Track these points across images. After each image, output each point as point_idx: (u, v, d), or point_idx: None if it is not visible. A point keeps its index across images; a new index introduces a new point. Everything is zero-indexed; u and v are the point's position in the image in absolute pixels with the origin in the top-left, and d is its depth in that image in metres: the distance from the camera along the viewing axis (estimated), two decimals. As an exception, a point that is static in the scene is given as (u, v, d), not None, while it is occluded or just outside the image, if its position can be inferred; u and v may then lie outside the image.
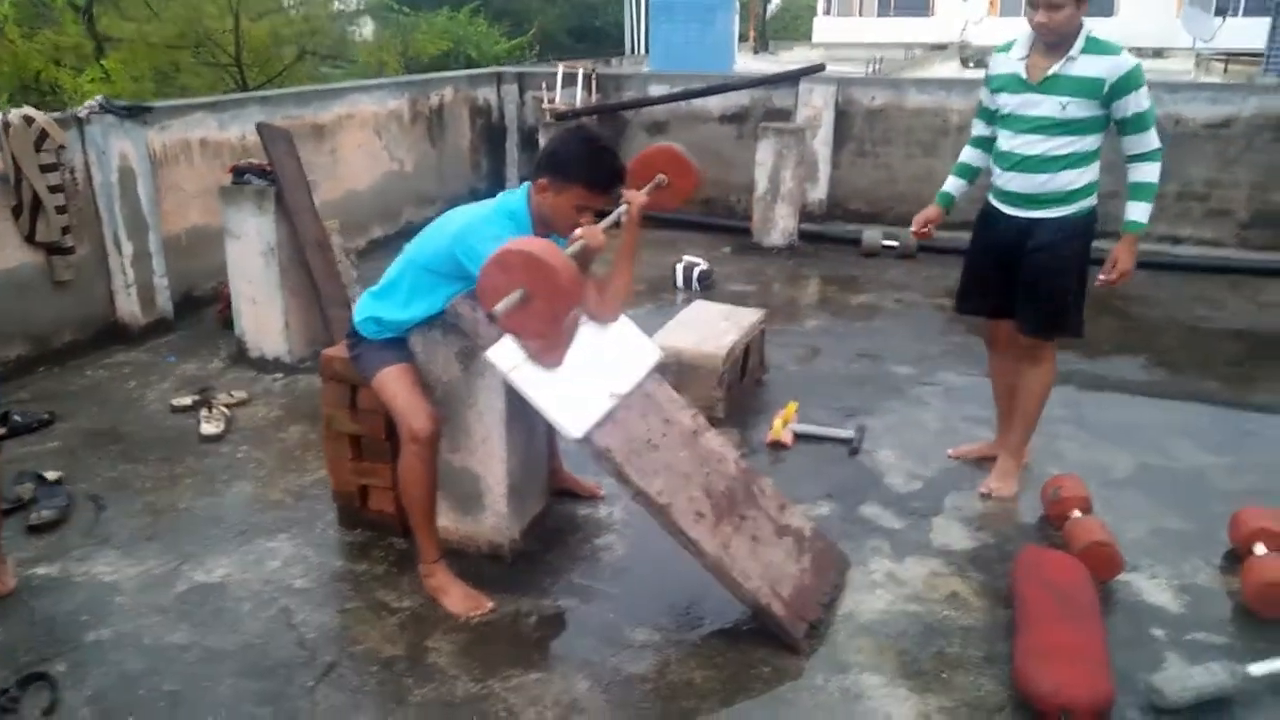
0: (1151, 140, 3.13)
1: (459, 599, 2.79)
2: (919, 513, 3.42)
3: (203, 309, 5.42)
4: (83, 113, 4.66)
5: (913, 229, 3.63)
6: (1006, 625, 2.75)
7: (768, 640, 2.66)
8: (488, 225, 2.66)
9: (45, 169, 4.47)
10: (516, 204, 2.73)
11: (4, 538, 3.00)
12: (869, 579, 3.00)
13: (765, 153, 7.03)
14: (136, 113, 4.82)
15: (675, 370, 4.05)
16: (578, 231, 2.61)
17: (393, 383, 2.74)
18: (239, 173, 4.49)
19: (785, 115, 7.83)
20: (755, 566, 2.71)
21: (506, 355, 2.63)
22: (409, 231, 7.37)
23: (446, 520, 3.03)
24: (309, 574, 2.97)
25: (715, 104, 8.13)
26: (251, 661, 2.56)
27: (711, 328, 4.29)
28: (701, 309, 4.62)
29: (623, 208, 2.89)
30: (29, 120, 4.39)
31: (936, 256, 7.01)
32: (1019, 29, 3.29)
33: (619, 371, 2.90)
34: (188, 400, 4.19)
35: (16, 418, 3.96)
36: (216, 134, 5.53)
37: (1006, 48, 3.32)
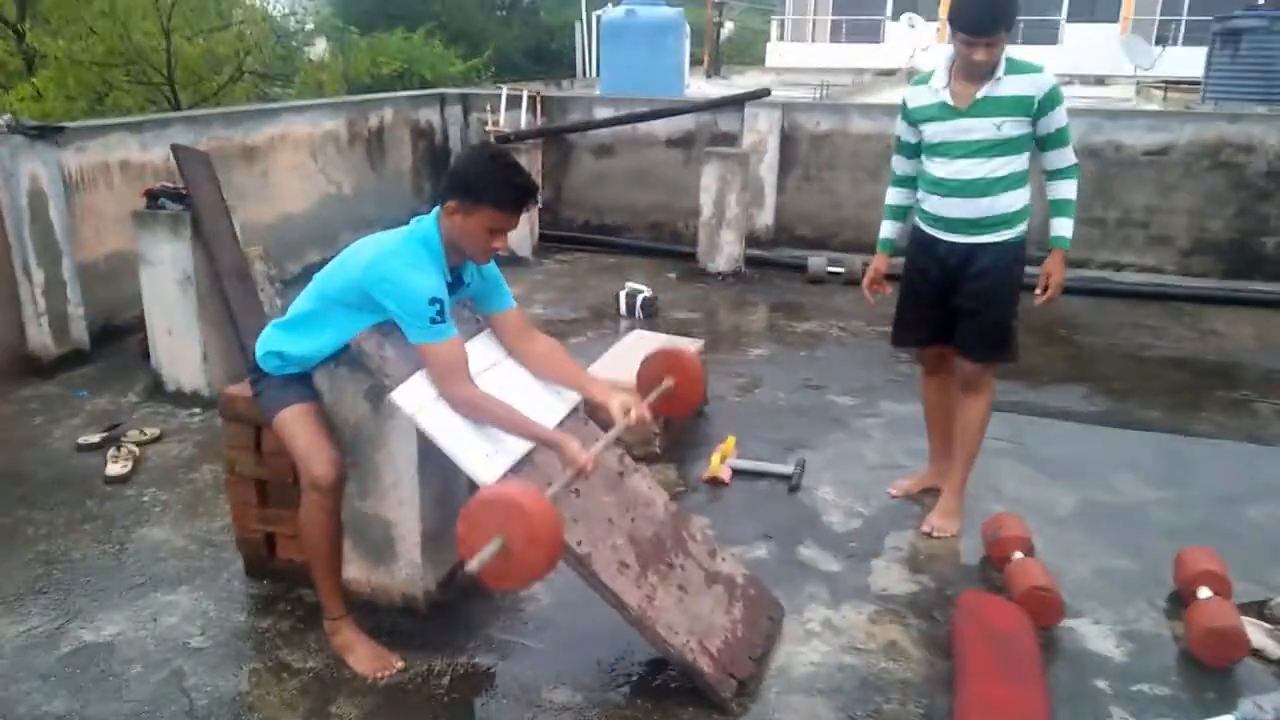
0: (1070, 156, 3.20)
1: (365, 658, 2.61)
2: (858, 554, 3.30)
3: (124, 339, 5.17)
4: (-11, 134, 4.42)
5: (865, 286, 3.62)
6: (946, 678, 2.63)
7: (696, 699, 2.52)
8: (398, 255, 2.50)
9: (-55, 193, 4.22)
10: (427, 230, 2.57)
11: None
12: (804, 628, 2.87)
13: (710, 178, 6.95)
14: (48, 133, 4.60)
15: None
16: (573, 456, 2.45)
17: (293, 423, 2.56)
18: (153, 196, 4.28)
19: (731, 140, 7.77)
20: (682, 619, 2.57)
21: (412, 396, 2.47)
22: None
23: (357, 571, 2.85)
24: (208, 631, 2.77)
25: (661, 128, 8.04)
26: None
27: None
28: (638, 339, 4.49)
29: (623, 423, 2.71)
30: (-72, 141, 4.15)
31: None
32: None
33: (538, 411, 2.75)
34: (95, 438, 3.96)
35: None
36: (139, 155, 5.31)
37: (925, 79, 3.29)
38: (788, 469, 3.87)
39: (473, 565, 2.06)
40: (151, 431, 4.06)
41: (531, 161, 7.57)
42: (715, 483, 3.78)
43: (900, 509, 3.62)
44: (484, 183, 2.47)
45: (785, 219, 7.86)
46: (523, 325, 2.85)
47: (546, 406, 2.78)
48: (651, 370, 3.20)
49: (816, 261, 7.19)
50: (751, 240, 7.59)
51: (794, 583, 3.10)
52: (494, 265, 2.78)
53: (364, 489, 2.76)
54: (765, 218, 7.82)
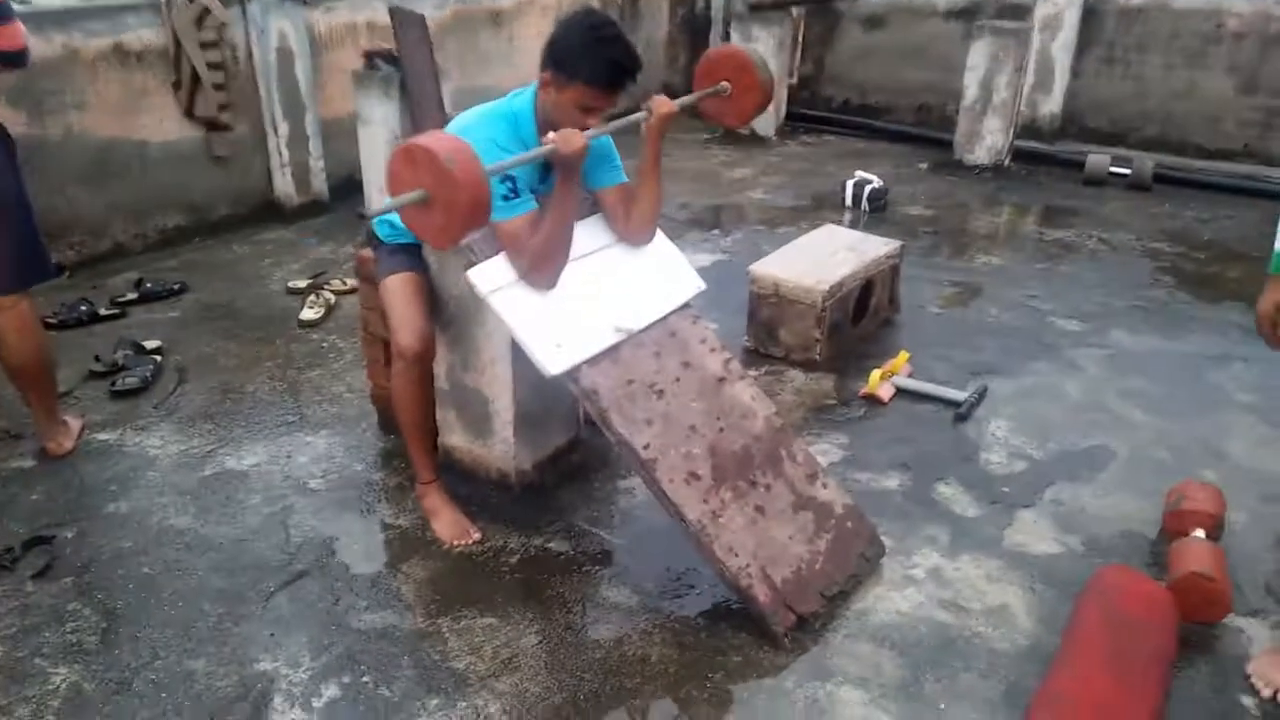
0: None
1: (447, 525, 2.68)
2: (1005, 501, 2.92)
3: (359, 192, 5.53)
4: (244, -9, 4.77)
5: (1262, 322, 2.24)
6: (1047, 657, 2.27)
7: (751, 625, 2.36)
8: (481, 127, 2.43)
9: (205, 46, 4.64)
10: (521, 104, 2.46)
11: (87, 400, 3.21)
12: (906, 573, 2.59)
13: (978, 55, 6.20)
14: (296, -7, 4.88)
15: (773, 304, 3.68)
16: (550, 135, 2.29)
17: (392, 291, 2.60)
18: (370, 57, 4.46)
19: (1023, 13, 6.83)
20: (748, 542, 2.39)
21: (489, 276, 2.41)
22: (592, 125, 7.25)
23: (459, 439, 2.91)
24: (328, 475, 2.96)
25: (942, -4, 7.23)
26: (230, 557, 2.58)
27: (827, 257, 3.83)
28: (826, 235, 4.15)
29: (640, 114, 2.52)
30: (190, -3, 4.54)
31: (1175, 190, 6.00)
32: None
33: (638, 303, 2.61)
34: (302, 283, 4.30)
35: (149, 285, 4.22)
36: (385, 17, 5.52)
37: None
38: (960, 395, 3.46)
39: (374, 208, 1.98)
40: (351, 282, 4.33)
41: (787, 34, 7.11)
42: (872, 400, 3.47)
43: (1085, 457, 3.14)
44: (578, 55, 2.30)
45: (1076, 107, 6.88)
46: (630, 201, 2.67)
47: (648, 303, 2.63)
48: (709, 69, 2.91)
49: (1097, 159, 6.27)
50: (1030, 131, 6.76)
51: (914, 521, 2.80)
52: (606, 138, 2.61)
53: (466, 362, 2.78)
54: (1051, 104, 6.89)
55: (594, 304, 2.52)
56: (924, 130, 7.15)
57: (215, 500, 2.82)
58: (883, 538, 2.70)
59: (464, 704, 2.13)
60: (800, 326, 3.66)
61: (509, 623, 2.37)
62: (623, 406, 2.42)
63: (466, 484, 2.89)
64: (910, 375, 3.63)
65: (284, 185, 5.16)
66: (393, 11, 4.52)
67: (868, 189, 5.60)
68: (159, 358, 3.61)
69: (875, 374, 3.49)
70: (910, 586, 2.54)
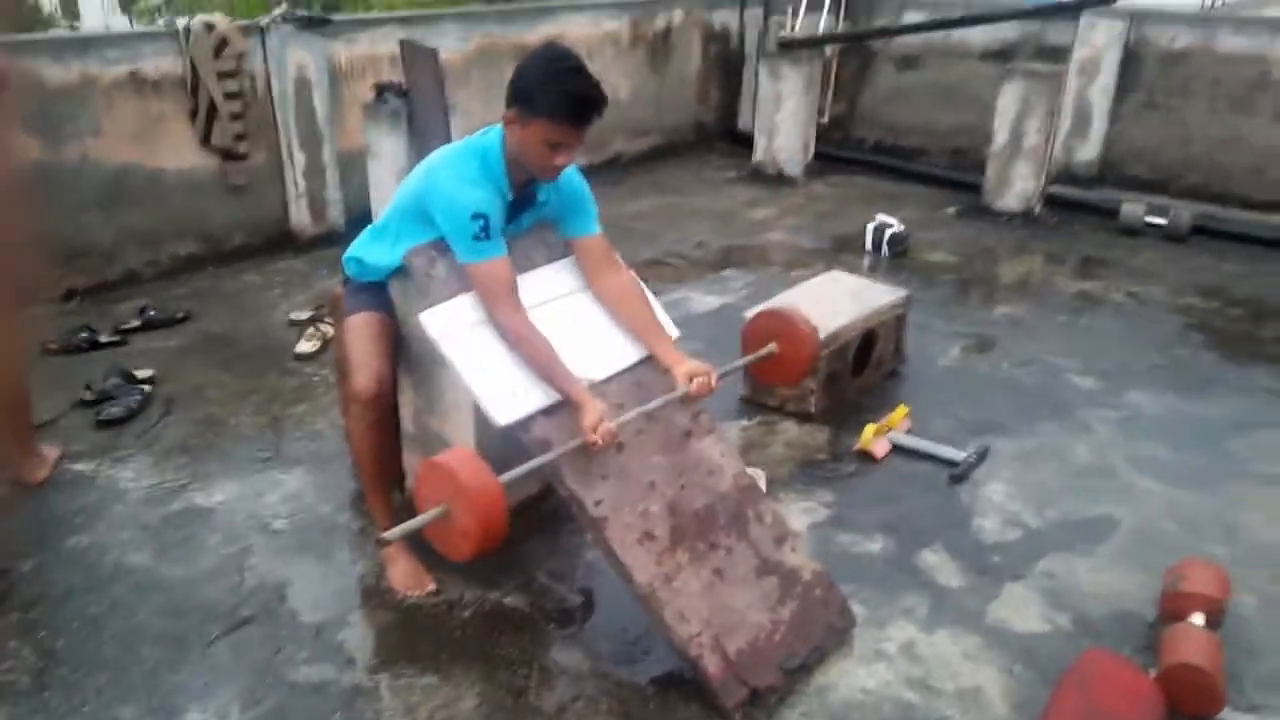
0: None
1: (402, 574, 2.60)
2: (993, 572, 2.77)
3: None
4: (264, 22, 4.82)
5: None
6: (1016, 750, 2.12)
7: (704, 699, 2.24)
8: (450, 165, 2.38)
9: (223, 75, 4.69)
10: (490, 141, 2.40)
11: (71, 428, 3.21)
12: (876, 647, 2.45)
13: (1009, 98, 6.06)
14: (316, 23, 4.92)
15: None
16: (585, 426, 2.24)
17: (354, 331, 2.55)
18: (380, 90, 4.46)
19: (1061, 55, 6.68)
20: (702, 609, 2.28)
21: (442, 319, 2.35)
22: (618, 163, 7.22)
23: (425, 485, 2.83)
24: (294, 516, 2.91)
25: (978, 37, 7.11)
26: (179, 599, 2.53)
27: (827, 305, 3.72)
28: (832, 280, 4.04)
29: (678, 391, 2.46)
30: (210, 27, 4.61)
31: (1215, 242, 5.79)
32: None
33: (603, 352, 2.52)
34: (304, 315, 4.29)
35: (152, 313, 4.24)
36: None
37: None
38: (958, 455, 3.31)
39: (393, 532, 1.97)
40: (352, 315, 4.31)
41: (817, 72, 7.03)
42: (865, 456, 3.33)
43: (1083, 528, 2.98)
44: (538, 89, 2.24)
45: (1115, 154, 6.70)
46: (603, 255, 2.61)
47: (612, 352, 2.55)
48: (757, 330, 2.85)
49: (1131, 208, 6.08)
50: (1066, 177, 6.60)
51: (892, 590, 2.66)
52: (580, 183, 2.55)
53: (430, 405, 2.71)
54: (1089, 150, 6.72)
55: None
56: (955, 174, 7.00)
57: (176, 538, 2.78)
58: (857, 606, 2.57)
59: (388, 770, 2.04)
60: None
61: (450, 683, 2.28)
62: (577, 461, 2.32)
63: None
64: (909, 431, 3.49)
65: (299, 216, 5.18)
66: (403, 44, 4.53)
67: (888, 233, 5.47)
68: (148, 387, 3.61)
69: (869, 429, 3.36)
70: (879, 662, 2.40)
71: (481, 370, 2.32)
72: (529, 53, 2.38)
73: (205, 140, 4.78)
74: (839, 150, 7.62)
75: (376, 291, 2.63)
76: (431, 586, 2.59)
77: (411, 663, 2.34)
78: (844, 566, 2.75)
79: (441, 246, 2.42)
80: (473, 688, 2.27)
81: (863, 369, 3.79)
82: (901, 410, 3.53)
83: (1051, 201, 6.39)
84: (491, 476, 1.99)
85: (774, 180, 7.04)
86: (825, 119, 7.71)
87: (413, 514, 2.76)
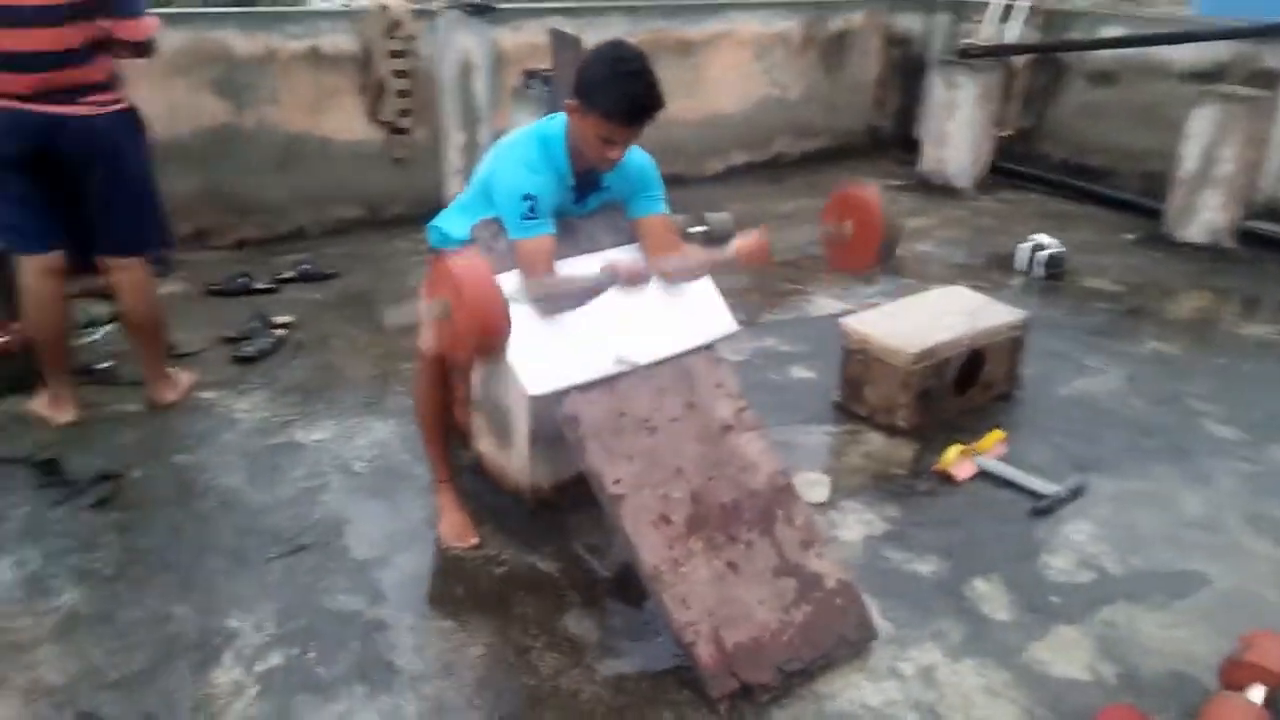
0: None
1: (449, 525, 2.75)
2: (1048, 611, 2.61)
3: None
4: (435, 6, 5.13)
5: None
6: (1008, 793, 2.02)
7: (699, 686, 2.25)
8: (514, 148, 2.49)
9: (393, 55, 5.05)
10: (556, 128, 2.49)
11: (210, 361, 3.59)
12: (892, 665, 2.38)
13: (1201, 122, 5.59)
14: (482, 10, 5.19)
15: (861, 361, 3.50)
16: (612, 263, 2.34)
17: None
18: (529, 76, 4.66)
19: (1274, 80, 6.09)
20: (707, 598, 2.29)
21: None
22: (779, 163, 7.18)
23: (487, 446, 2.99)
24: (373, 461, 3.13)
25: (1182, 56, 6.57)
26: (253, 521, 2.79)
27: (934, 319, 3.60)
28: (948, 295, 3.89)
29: (730, 248, 2.51)
30: (384, 9, 4.96)
31: None
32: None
33: (651, 336, 2.57)
34: (436, 281, 4.55)
35: (306, 267, 4.63)
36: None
37: None
38: (1049, 488, 3.13)
39: (393, 319, 2.09)
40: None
41: (995, 83, 6.73)
42: (945, 478, 3.21)
43: (1165, 581, 2.76)
44: (599, 87, 2.31)
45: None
46: (664, 234, 2.64)
47: (664, 338, 2.58)
48: (835, 210, 2.79)
49: (1337, 251, 5.47)
50: (1268, 212, 6.00)
51: (927, 612, 2.57)
52: (645, 164, 2.61)
53: (493, 371, 2.84)
54: (1303, 186, 6.09)
55: (603, 332, 2.50)
56: (1141, 199, 6.50)
57: (267, 467, 3.05)
58: (885, 623, 2.50)
59: (386, 699, 2.18)
60: (885, 388, 3.45)
61: (464, 630, 2.41)
62: (604, 437, 2.39)
63: (491, 491, 2.96)
64: (1002, 458, 3.32)
65: (453, 190, 5.47)
66: (552, 33, 4.70)
67: (1043, 254, 5.18)
68: (283, 332, 3.95)
69: (953, 450, 3.23)
70: (890, 680, 2.34)
71: (524, 342, 2.41)
72: (596, 47, 2.45)
73: (373, 114, 5.15)
74: (1019, 165, 7.26)
75: (455, 259, 2.77)
76: (474, 540, 2.72)
77: (435, 607, 2.48)
78: (885, 582, 2.68)
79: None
80: (483, 638, 2.39)
81: (967, 388, 3.64)
82: (996, 434, 3.37)
83: (1248, 238, 5.84)
84: (492, 283, 2.06)
85: (939, 191, 6.80)
86: (1008, 132, 7.36)
87: (478, 472, 2.96)
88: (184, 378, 3.47)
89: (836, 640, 2.38)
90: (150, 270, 3.22)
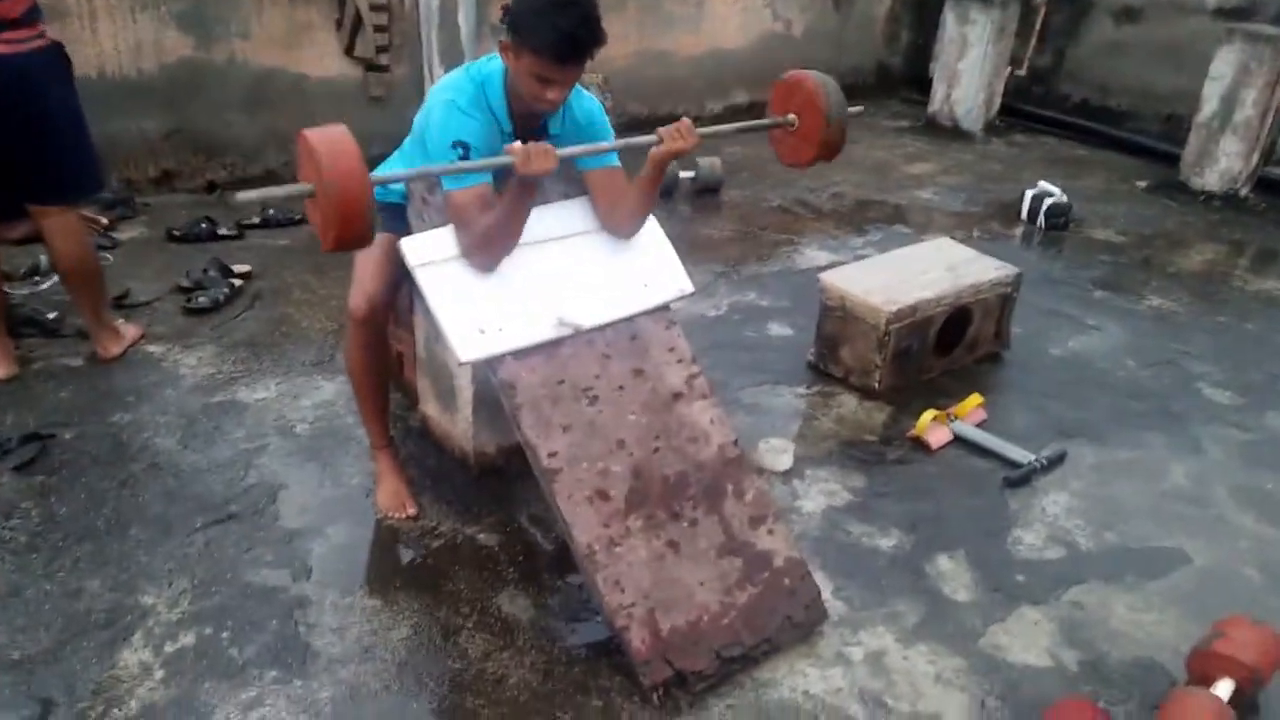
0: None
1: (386, 494, 2.63)
2: (1012, 591, 2.47)
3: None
4: (413, -64, 4.87)
5: None
6: (949, 794, 1.90)
7: (630, 673, 2.13)
8: (447, 89, 2.30)
9: (370, -12, 4.79)
10: (494, 68, 2.29)
11: (162, 312, 3.45)
12: (840, 650, 2.25)
13: (1223, 63, 5.30)
14: (462, -59, 4.92)
15: (839, 318, 3.32)
16: (515, 146, 2.06)
17: (361, 250, 2.54)
18: (506, 10, 4.40)
19: (1308, 19, 5.75)
20: (643, 579, 2.16)
21: (421, 248, 2.29)
22: (783, 100, 6.89)
23: (433, 409, 2.85)
24: (316, 422, 3.00)
25: (1213, -9, 6.22)
26: (183, 485, 2.67)
27: (916, 275, 3.41)
28: (934, 249, 3.69)
29: (650, 138, 2.27)
30: (358, -61, 4.70)
31: None
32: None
33: (598, 298, 2.40)
34: (407, 228, 4.37)
35: (272, 212, 4.45)
36: (565, -29, 5.47)
37: None
38: (1025, 456, 2.97)
39: (248, 195, 1.90)
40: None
41: (1011, 19, 6.39)
42: (918, 445, 3.05)
43: (1142, 558, 2.62)
44: (530, 20, 2.11)
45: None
46: (618, 187, 2.45)
47: (610, 300, 2.41)
48: (781, 97, 2.59)
49: (1361, 201, 5.19)
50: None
51: (884, 592, 2.43)
52: (593, 111, 2.41)
53: (437, 332, 2.68)
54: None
55: (544, 293, 2.33)
56: (1159, 144, 6.21)
57: (205, 428, 2.93)
58: (838, 603, 2.38)
59: (299, 684, 2.07)
60: (861, 348, 3.28)
61: (390, 610, 2.29)
62: (540, 406, 2.24)
63: (436, 456, 2.83)
64: (981, 424, 3.16)
65: (432, 130, 5.26)
66: (531, -35, 4.43)
67: (1047, 203, 4.94)
68: (239, 282, 3.80)
69: (927, 415, 3.06)
70: (837, 667, 2.21)
71: (453, 304, 2.25)
72: (530, -24, 2.23)
73: (349, 50, 4.93)
74: (1035, 107, 6.95)
75: (394, 212, 2.60)
76: (412, 511, 2.60)
77: (363, 583, 2.37)
78: (843, 558, 2.54)
79: (439, 173, 2.36)
80: (410, 618, 2.27)
81: (951, 348, 3.46)
82: (975, 399, 3.20)
83: (1268, 187, 5.56)
84: (357, 162, 1.86)
85: (947, 134, 6.53)
86: (1023, 71, 7.05)
87: (424, 435, 2.82)
88: (130, 330, 3.33)
89: (782, 623, 2.25)
90: (80, 217, 3.06)
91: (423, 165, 2.37)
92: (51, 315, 3.40)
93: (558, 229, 2.45)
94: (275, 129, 4.89)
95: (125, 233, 4.27)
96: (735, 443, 2.41)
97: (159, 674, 2.07)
